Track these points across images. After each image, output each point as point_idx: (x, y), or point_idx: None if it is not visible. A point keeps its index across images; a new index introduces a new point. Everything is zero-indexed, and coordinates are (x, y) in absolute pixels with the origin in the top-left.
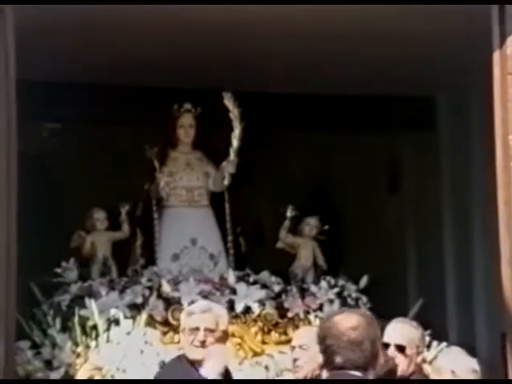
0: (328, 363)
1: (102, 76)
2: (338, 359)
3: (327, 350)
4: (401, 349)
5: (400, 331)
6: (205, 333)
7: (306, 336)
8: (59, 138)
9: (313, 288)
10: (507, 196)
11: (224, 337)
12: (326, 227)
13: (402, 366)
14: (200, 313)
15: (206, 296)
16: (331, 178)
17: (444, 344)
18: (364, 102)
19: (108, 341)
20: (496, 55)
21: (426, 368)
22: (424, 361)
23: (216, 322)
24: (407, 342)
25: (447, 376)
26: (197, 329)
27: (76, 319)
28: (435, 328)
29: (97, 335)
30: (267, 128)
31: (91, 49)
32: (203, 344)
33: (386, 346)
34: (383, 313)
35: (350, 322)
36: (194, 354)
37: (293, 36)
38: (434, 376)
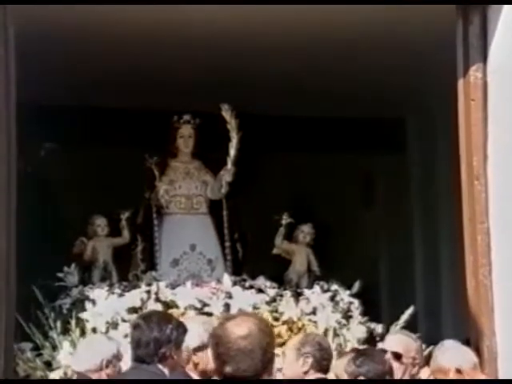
0: (218, 371)
1: (96, 99)
2: (228, 368)
3: (218, 358)
4: (397, 356)
5: (398, 340)
6: None
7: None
8: (56, 156)
9: (307, 292)
10: (471, 213)
11: None
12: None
13: (397, 374)
14: None
15: (202, 300)
16: (313, 193)
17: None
18: (341, 124)
19: None
20: (460, 83)
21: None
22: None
23: None
24: (404, 351)
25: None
26: None
27: (76, 322)
28: None
29: None
30: (254, 149)
31: (87, 73)
32: None
33: (384, 352)
34: None
35: (241, 331)
36: None
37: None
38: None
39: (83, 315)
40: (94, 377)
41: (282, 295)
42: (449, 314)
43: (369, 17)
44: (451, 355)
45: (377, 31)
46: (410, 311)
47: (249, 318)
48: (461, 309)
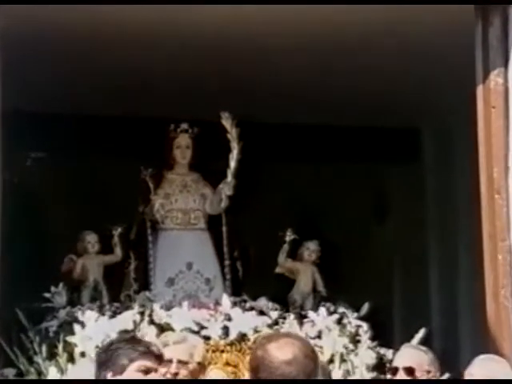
0: None
1: (88, 106)
2: None
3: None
4: (410, 371)
5: (407, 355)
6: (178, 365)
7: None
8: (44, 167)
9: (311, 315)
10: (492, 229)
11: (199, 369)
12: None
13: None
14: (174, 344)
15: (199, 322)
16: (319, 207)
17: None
18: (352, 133)
19: None
20: (479, 89)
21: None
22: None
23: (190, 354)
24: (416, 364)
25: None
26: (170, 361)
27: (63, 346)
28: None
29: None
30: (258, 158)
31: (76, 79)
32: (176, 376)
33: (395, 370)
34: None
35: (284, 355)
36: None
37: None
38: None
39: (71, 339)
40: None
41: (285, 318)
42: (467, 338)
43: (376, 17)
44: (499, 367)
45: (377, 31)
46: (420, 334)
47: (292, 341)
48: (480, 333)
